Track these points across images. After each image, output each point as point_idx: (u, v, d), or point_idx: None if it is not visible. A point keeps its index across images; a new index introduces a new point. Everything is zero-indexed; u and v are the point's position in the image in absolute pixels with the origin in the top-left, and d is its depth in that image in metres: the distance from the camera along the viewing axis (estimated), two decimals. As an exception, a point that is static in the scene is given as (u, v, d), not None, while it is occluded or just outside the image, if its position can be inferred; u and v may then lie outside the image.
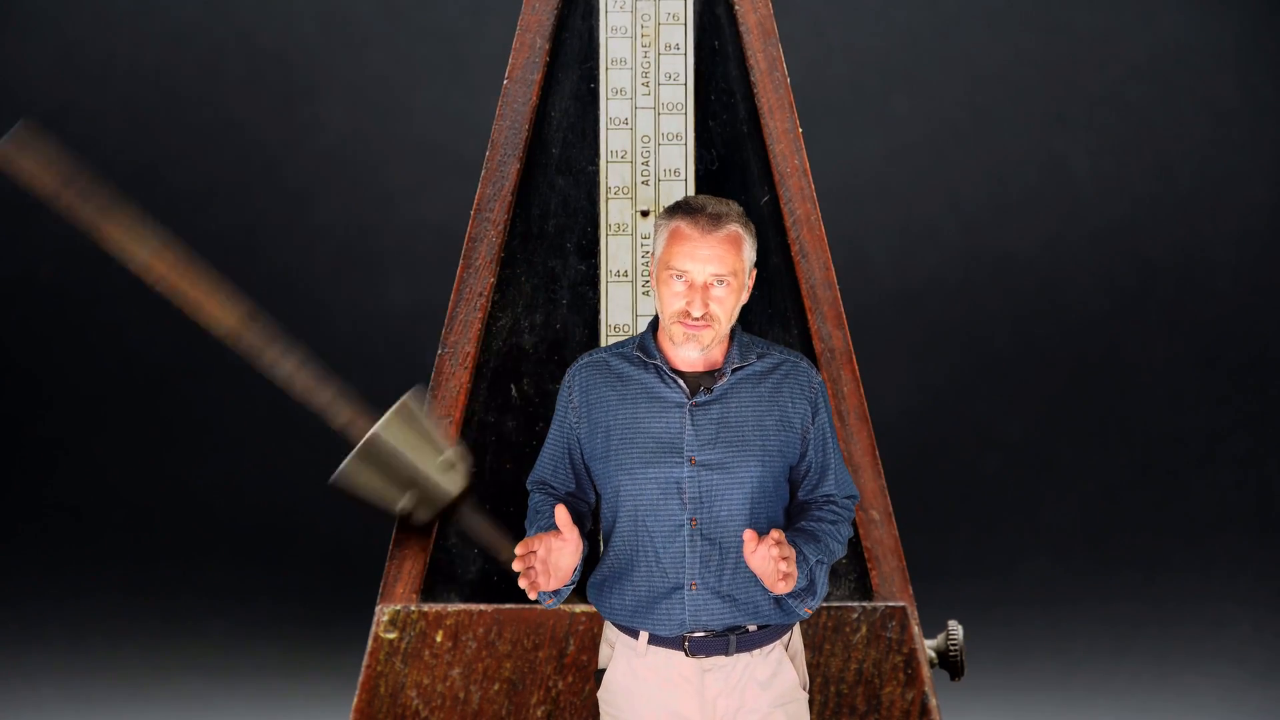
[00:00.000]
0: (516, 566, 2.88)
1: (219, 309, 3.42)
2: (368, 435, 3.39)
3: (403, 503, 3.48)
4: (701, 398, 2.97)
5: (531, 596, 2.91)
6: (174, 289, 3.40)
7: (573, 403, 3.07)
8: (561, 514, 2.86)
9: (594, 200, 3.64)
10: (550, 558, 2.89)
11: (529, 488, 3.14)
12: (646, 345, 3.03)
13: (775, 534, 2.82)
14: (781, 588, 2.85)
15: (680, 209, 2.97)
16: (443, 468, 3.48)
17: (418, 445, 3.44)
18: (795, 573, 2.85)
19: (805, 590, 2.96)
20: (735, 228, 2.95)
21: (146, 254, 3.37)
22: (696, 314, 2.92)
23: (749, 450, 2.96)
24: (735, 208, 2.99)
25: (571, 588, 2.99)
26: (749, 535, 2.82)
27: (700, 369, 3.00)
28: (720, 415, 2.97)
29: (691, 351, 2.96)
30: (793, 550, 2.85)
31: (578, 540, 2.90)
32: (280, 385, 3.45)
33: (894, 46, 6.59)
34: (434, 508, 3.51)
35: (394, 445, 3.41)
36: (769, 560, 2.82)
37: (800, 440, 3.03)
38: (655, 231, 3.01)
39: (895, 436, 5.06)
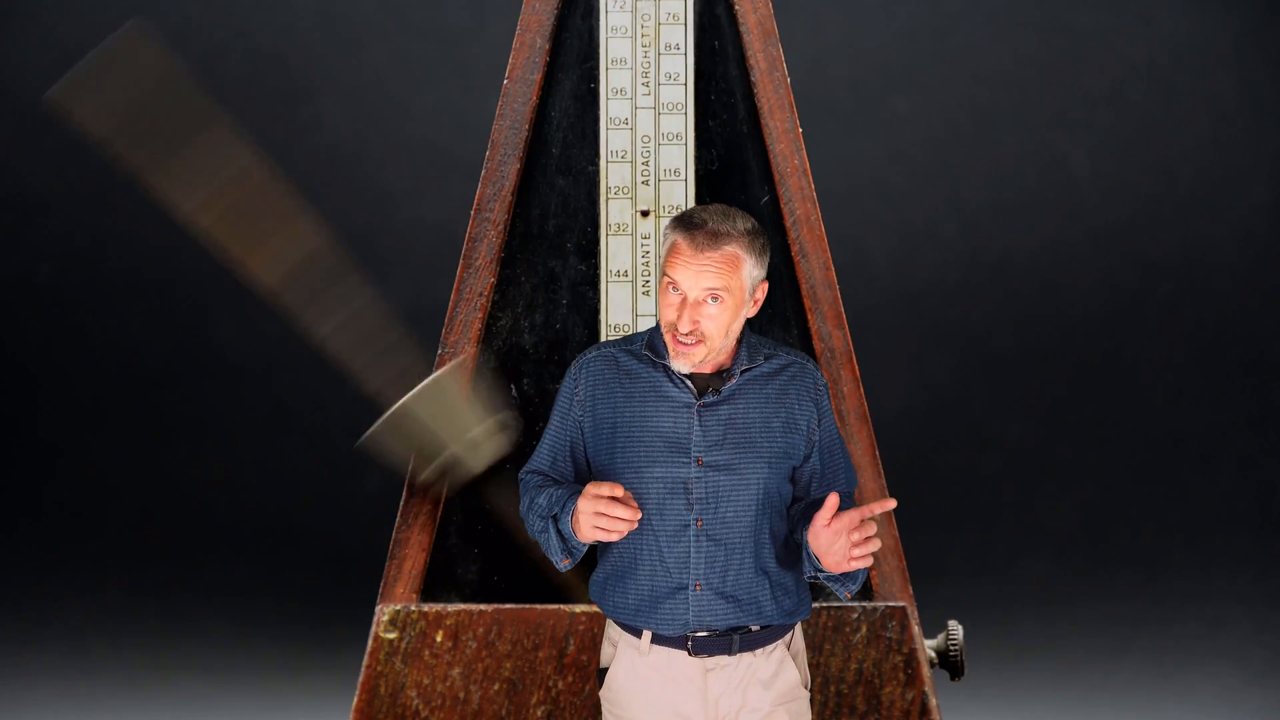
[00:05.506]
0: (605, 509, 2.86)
1: (261, 266, 3.35)
2: (394, 408, 3.34)
3: (426, 474, 3.47)
4: (709, 399, 2.97)
5: (621, 534, 2.88)
6: (216, 243, 3.34)
7: (578, 395, 3.06)
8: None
9: (594, 200, 3.64)
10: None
11: (521, 478, 3.13)
12: (655, 345, 3.02)
13: (864, 511, 2.81)
14: (846, 566, 2.84)
15: (683, 222, 2.94)
16: (486, 434, 3.45)
17: (449, 420, 3.40)
18: (870, 558, 2.84)
19: (847, 575, 2.96)
20: (733, 248, 2.89)
21: (191, 207, 3.31)
22: (684, 330, 2.91)
23: (756, 452, 2.96)
24: (741, 225, 2.92)
25: (584, 549, 2.99)
26: (830, 503, 2.81)
27: (708, 370, 3.00)
28: (728, 417, 2.97)
29: (681, 367, 2.96)
30: (874, 529, 2.84)
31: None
32: (317, 347, 3.38)
33: (894, 46, 6.59)
34: (457, 479, 3.49)
35: (422, 419, 3.37)
36: (841, 536, 2.81)
37: (805, 442, 3.03)
38: (663, 235, 3.01)
39: (895, 436, 5.05)
